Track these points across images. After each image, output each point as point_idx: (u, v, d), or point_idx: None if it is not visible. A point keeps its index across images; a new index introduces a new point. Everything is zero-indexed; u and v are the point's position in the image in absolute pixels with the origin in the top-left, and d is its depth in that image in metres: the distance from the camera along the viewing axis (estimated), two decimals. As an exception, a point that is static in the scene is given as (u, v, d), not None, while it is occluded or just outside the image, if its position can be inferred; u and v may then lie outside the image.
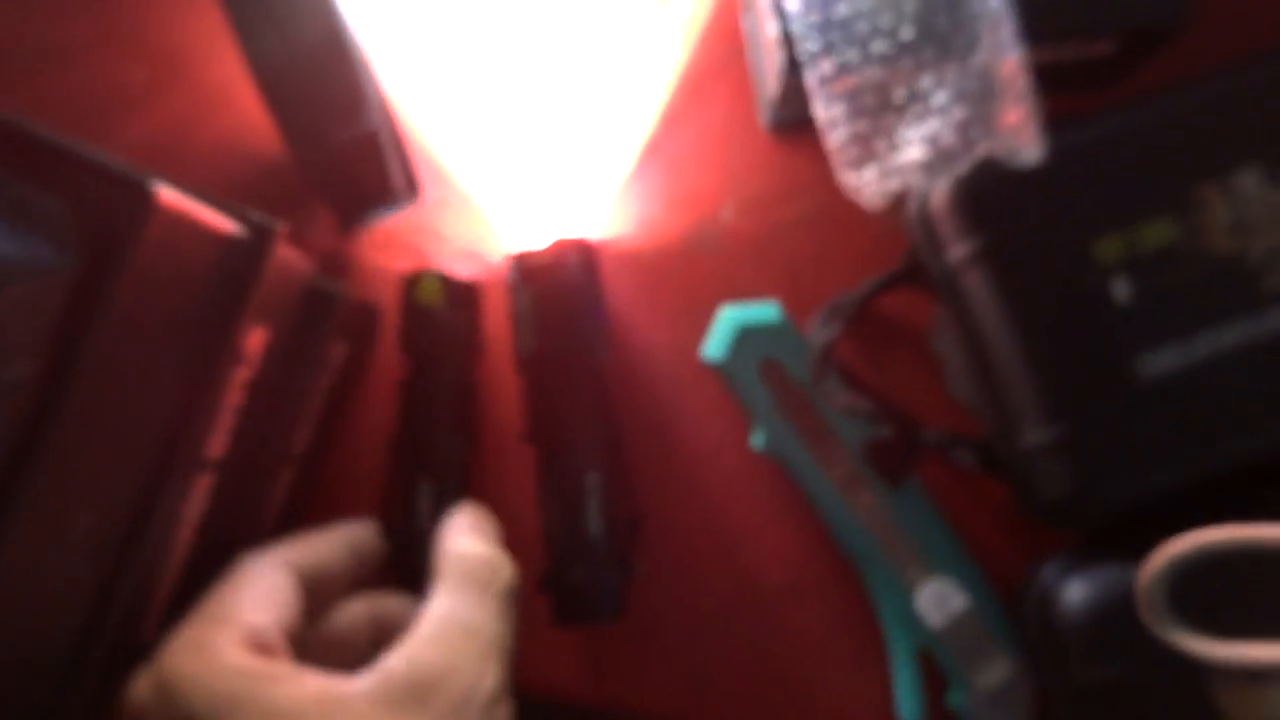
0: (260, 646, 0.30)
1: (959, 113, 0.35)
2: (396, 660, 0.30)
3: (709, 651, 0.41)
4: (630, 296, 0.42)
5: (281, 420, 0.37)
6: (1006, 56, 0.34)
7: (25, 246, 0.25)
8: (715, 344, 0.39)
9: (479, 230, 0.42)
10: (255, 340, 0.33)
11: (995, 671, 0.38)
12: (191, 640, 0.30)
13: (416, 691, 0.29)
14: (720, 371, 0.39)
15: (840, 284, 0.40)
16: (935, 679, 0.39)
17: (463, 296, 0.40)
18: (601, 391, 0.39)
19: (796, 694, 0.40)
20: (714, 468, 0.41)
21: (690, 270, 0.41)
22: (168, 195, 0.27)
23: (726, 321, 0.39)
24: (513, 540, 0.39)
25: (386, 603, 0.37)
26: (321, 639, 0.34)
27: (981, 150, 0.35)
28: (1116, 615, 0.34)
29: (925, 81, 0.35)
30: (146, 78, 0.42)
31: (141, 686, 0.29)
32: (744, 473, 0.41)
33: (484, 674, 0.31)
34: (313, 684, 0.29)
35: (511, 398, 0.41)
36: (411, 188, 0.40)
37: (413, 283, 0.40)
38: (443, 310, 0.40)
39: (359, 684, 0.29)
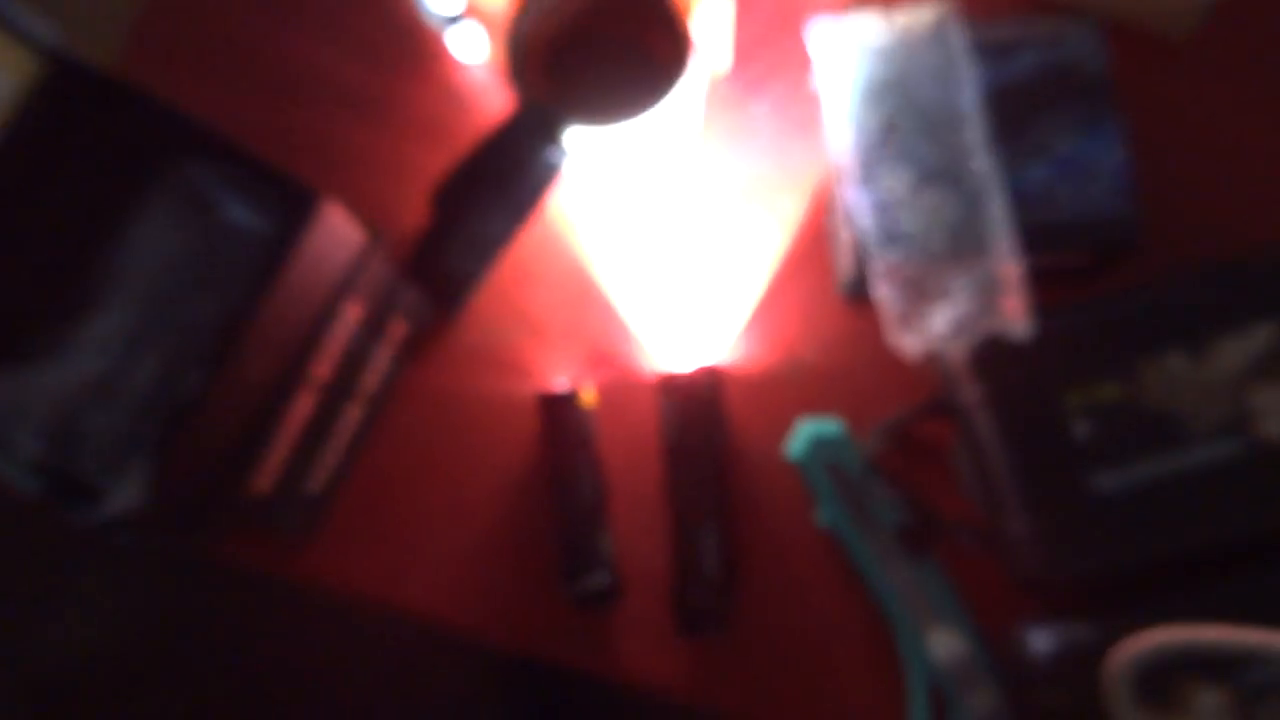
0: None
1: (973, 300, 0.51)
2: None
3: (782, 665, 0.55)
4: (742, 408, 0.57)
5: (359, 366, 0.52)
6: (1006, 263, 0.51)
7: (255, 218, 0.41)
8: (795, 447, 0.55)
9: (640, 355, 0.59)
10: (354, 311, 0.50)
11: (985, 698, 0.52)
12: None
13: None
14: (798, 467, 0.55)
15: (887, 409, 0.55)
16: (941, 703, 0.53)
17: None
18: (720, 474, 0.55)
19: (836, 706, 0.55)
20: (791, 534, 0.56)
21: (782, 393, 0.57)
22: (331, 205, 0.42)
23: (804, 432, 0.55)
24: (651, 574, 0.55)
25: None
26: None
27: (987, 326, 0.51)
28: (1071, 658, 0.49)
29: (950, 277, 0.51)
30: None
31: None
32: (812, 542, 0.56)
33: None
34: None
35: (654, 476, 0.57)
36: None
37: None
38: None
39: None
